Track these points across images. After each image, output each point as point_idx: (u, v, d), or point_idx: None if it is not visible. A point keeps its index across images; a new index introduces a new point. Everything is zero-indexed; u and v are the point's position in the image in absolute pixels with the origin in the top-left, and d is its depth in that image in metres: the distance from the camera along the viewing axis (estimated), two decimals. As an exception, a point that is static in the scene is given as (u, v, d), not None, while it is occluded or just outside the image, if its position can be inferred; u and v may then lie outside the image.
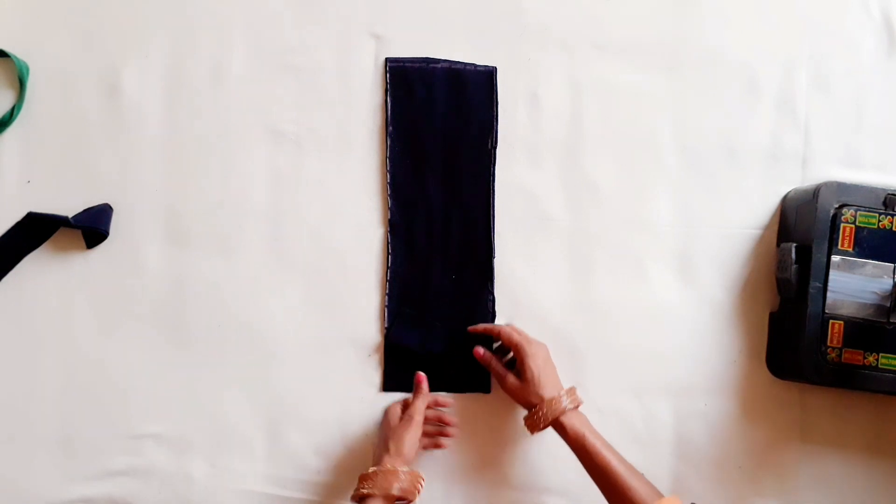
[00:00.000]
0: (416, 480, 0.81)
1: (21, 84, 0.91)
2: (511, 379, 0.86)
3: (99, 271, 0.91)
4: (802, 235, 0.89)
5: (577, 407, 0.84)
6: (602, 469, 0.79)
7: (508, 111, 0.94)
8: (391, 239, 0.93)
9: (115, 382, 0.91)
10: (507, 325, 0.92)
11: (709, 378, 0.93)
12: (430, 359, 0.92)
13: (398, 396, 0.91)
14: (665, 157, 0.95)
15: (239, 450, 0.91)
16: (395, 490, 0.79)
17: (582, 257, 0.94)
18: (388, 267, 0.93)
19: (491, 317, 0.93)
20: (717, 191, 0.95)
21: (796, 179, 0.95)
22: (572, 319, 0.93)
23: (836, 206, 0.87)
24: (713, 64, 0.95)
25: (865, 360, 0.86)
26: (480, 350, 0.89)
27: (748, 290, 0.94)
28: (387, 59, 0.93)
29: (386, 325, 0.92)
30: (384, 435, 0.87)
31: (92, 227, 0.90)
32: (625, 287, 0.94)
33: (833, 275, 0.86)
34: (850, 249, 0.86)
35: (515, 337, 0.86)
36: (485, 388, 0.93)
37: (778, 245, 0.93)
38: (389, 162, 0.93)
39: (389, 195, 0.93)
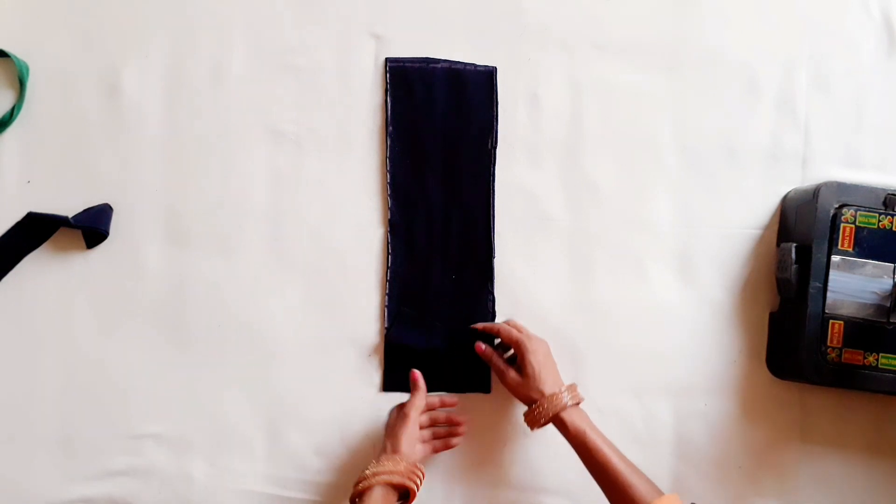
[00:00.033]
0: (411, 471, 0.81)
1: (21, 84, 0.91)
2: (512, 374, 0.85)
3: (99, 271, 0.91)
4: (802, 235, 0.89)
5: (577, 403, 0.83)
6: (602, 466, 0.79)
7: (508, 111, 0.94)
8: (391, 239, 0.93)
9: (115, 382, 0.91)
10: (508, 319, 0.92)
11: (709, 378, 0.93)
12: (430, 359, 0.92)
13: (398, 396, 0.91)
14: (665, 157, 0.95)
15: (239, 450, 0.91)
16: (387, 477, 0.79)
17: (582, 257, 0.94)
18: (388, 267, 0.93)
19: (491, 317, 0.93)
20: (717, 191, 0.95)
21: (796, 179, 0.95)
22: (572, 319, 0.93)
23: (836, 206, 0.87)
24: (713, 64, 0.95)
25: (865, 360, 0.86)
26: (482, 345, 0.89)
27: (748, 290, 0.94)
28: (387, 59, 0.93)
29: (386, 325, 0.92)
30: (383, 436, 0.87)
31: (92, 227, 0.90)
32: (625, 287, 0.94)
33: (833, 275, 0.86)
34: (850, 249, 0.86)
35: (515, 334, 0.86)
36: (485, 388, 0.93)
37: (778, 245, 0.93)
38: (389, 162, 0.93)
39: (389, 195, 0.93)
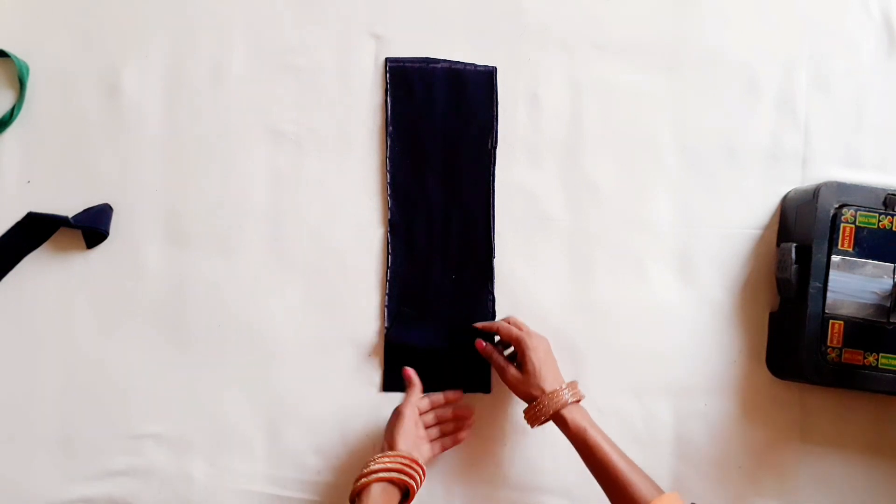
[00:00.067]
0: (407, 466, 0.80)
1: (21, 84, 0.91)
2: (512, 371, 0.85)
3: (99, 271, 0.91)
4: (802, 235, 0.89)
5: (578, 401, 0.83)
6: (603, 464, 0.79)
7: (508, 111, 0.94)
8: (391, 239, 0.93)
9: (115, 382, 0.91)
10: (508, 317, 0.92)
11: (709, 378, 0.93)
12: (430, 359, 0.92)
13: (398, 396, 0.91)
14: (665, 157, 0.95)
15: (239, 450, 0.91)
16: (383, 474, 0.78)
17: (582, 257, 0.94)
18: (388, 267, 0.93)
19: (491, 317, 0.93)
20: (717, 191, 0.95)
21: (796, 179, 0.95)
22: (572, 319, 0.93)
23: (836, 206, 0.87)
24: (713, 64, 0.95)
25: (865, 360, 0.86)
26: (482, 342, 0.89)
27: (748, 290, 0.94)
28: (387, 59, 0.93)
29: (386, 325, 0.92)
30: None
31: (92, 227, 0.90)
32: (625, 287, 0.94)
33: (833, 275, 0.86)
34: (850, 249, 0.86)
35: (515, 332, 0.86)
36: (485, 388, 0.93)
37: (778, 245, 0.93)
38: (389, 162, 0.93)
39: (389, 195, 0.93)
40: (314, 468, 0.91)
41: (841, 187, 0.87)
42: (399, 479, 0.79)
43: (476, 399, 0.92)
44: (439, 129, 0.94)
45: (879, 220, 0.87)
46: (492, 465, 0.92)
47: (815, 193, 0.88)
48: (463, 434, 0.89)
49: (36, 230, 0.91)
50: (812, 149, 0.95)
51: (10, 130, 0.91)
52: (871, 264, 0.86)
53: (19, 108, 0.91)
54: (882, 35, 0.96)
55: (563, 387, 0.82)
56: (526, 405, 0.84)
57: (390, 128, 0.93)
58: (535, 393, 0.83)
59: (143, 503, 0.90)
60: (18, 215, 0.91)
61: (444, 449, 0.88)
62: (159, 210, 0.92)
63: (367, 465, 0.80)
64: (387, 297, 0.92)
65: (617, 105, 0.95)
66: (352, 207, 0.93)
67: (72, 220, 0.90)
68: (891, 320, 0.86)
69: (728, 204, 0.95)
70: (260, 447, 0.91)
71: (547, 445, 0.91)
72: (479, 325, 0.91)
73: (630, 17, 0.95)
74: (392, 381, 0.92)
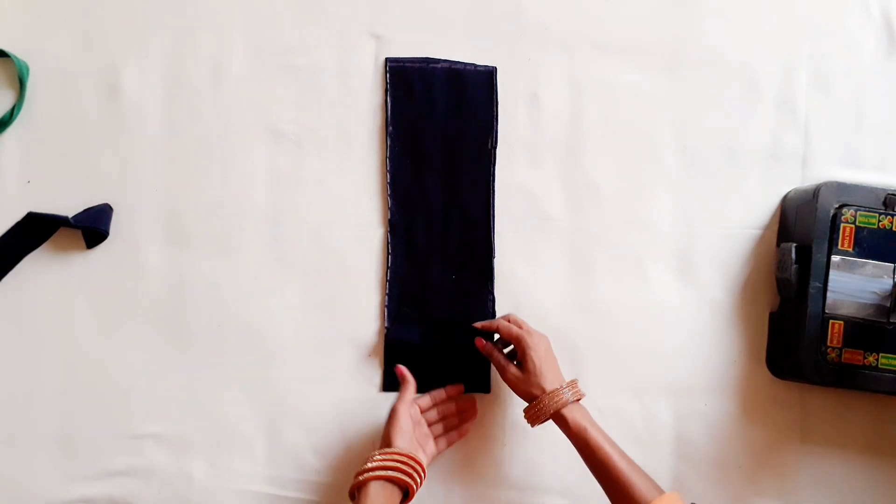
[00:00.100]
0: (401, 460, 0.79)
1: (21, 84, 0.91)
2: (512, 370, 0.85)
3: (99, 271, 0.91)
4: (802, 235, 0.89)
5: (578, 400, 0.83)
6: (603, 464, 0.78)
7: (508, 111, 0.94)
8: (391, 239, 0.93)
9: (115, 382, 0.91)
10: (508, 314, 0.92)
11: (709, 378, 0.93)
12: (430, 359, 0.92)
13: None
14: (665, 157, 0.95)
15: (239, 450, 0.91)
16: (380, 472, 0.78)
17: (582, 257, 0.94)
18: (388, 267, 0.93)
19: (491, 317, 0.93)
20: (717, 191, 0.95)
21: (796, 179, 0.95)
22: (572, 319, 0.93)
23: (836, 206, 0.87)
24: (713, 64, 0.95)
25: (865, 360, 0.86)
26: (482, 340, 0.89)
27: (748, 290, 0.94)
28: (387, 59, 0.93)
29: (386, 325, 0.92)
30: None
31: (92, 227, 0.90)
32: (625, 287, 0.94)
33: (833, 275, 0.86)
34: (850, 249, 0.86)
35: (515, 331, 0.86)
36: (485, 389, 0.92)
37: (778, 245, 0.93)
38: (389, 162, 0.93)
39: (389, 195, 0.93)
40: (314, 468, 0.91)
41: (841, 187, 0.88)
42: (395, 477, 0.79)
43: (476, 399, 0.92)
44: (439, 129, 0.94)
45: (879, 220, 0.87)
46: (492, 465, 0.92)
47: (815, 193, 0.88)
48: (467, 425, 0.89)
49: (36, 230, 0.91)
50: (812, 149, 0.95)
51: (10, 130, 0.91)
52: (871, 264, 0.86)
53: (19, 108, 0.91)
54: (882, 35, 0.96)
55: (564, 386, 0.82)
56: (526, 404, 0.84)
57: (390, 128, 0.93)
58: (536, 392, 0.82)
59: (143, 503, 0.90)
60: (18, 215, 0.91)
61: (450, 443, 0.88)
62: (159, 210, 0.92)
63: (364, 463, 0.80)
64: (387, 297, 0.93)
65: (617, 105, 0.95)
66: (352, 207, 0.93)
67: (72, 220, 0.90)
68: (891, 320, 0.86)
69: (728, 204, 0.95)
70: (260, 447, 0.91)
71: (547, 445, 0.91)
72: (478, 324, 0.91)
73: (630, 17, 0.95)
74: (392, 381, 0.92)
